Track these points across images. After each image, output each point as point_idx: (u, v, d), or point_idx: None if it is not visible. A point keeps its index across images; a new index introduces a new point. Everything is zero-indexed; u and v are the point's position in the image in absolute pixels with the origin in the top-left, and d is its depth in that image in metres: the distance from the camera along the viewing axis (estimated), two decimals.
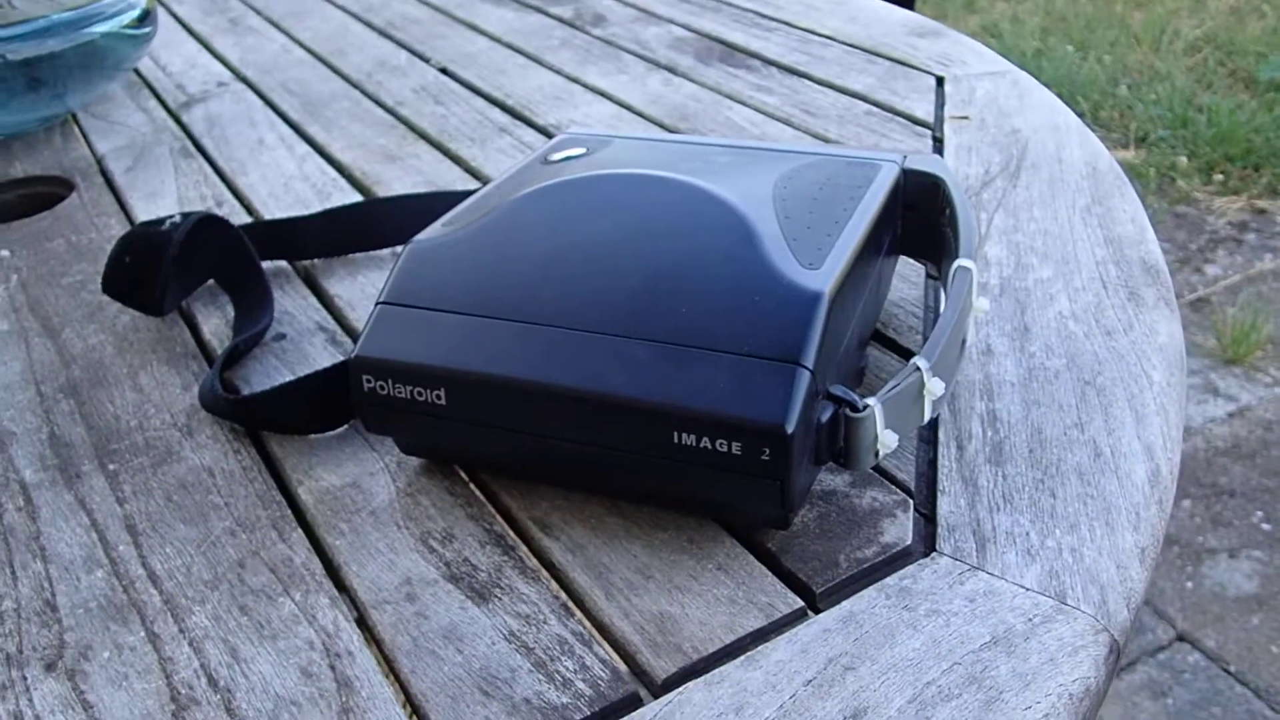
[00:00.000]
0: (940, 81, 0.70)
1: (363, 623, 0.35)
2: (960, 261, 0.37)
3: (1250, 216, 2.17)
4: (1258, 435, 1.61)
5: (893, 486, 0.38)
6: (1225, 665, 1.27)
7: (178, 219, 0.49)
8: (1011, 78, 0.70)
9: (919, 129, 0.64)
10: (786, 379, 0.32)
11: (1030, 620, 0.32)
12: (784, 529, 0.36)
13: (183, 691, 0.32)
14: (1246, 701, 1.22)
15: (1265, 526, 1.45)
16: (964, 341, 0.37)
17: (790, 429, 0.31)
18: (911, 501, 0.37)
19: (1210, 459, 1.57)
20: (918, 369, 0.34)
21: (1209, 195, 2.25)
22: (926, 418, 0.35)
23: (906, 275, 0.50)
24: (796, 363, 0.32)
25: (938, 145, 0.62)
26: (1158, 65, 2.67)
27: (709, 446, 0.32)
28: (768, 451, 0.32)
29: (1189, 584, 1.38)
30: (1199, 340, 1.79)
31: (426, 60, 0.82)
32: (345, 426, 0.43)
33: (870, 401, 0.33)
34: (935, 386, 0.34)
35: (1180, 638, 1.30)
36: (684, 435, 0.33)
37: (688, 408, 0.33)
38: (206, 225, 0.50)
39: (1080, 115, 2.50)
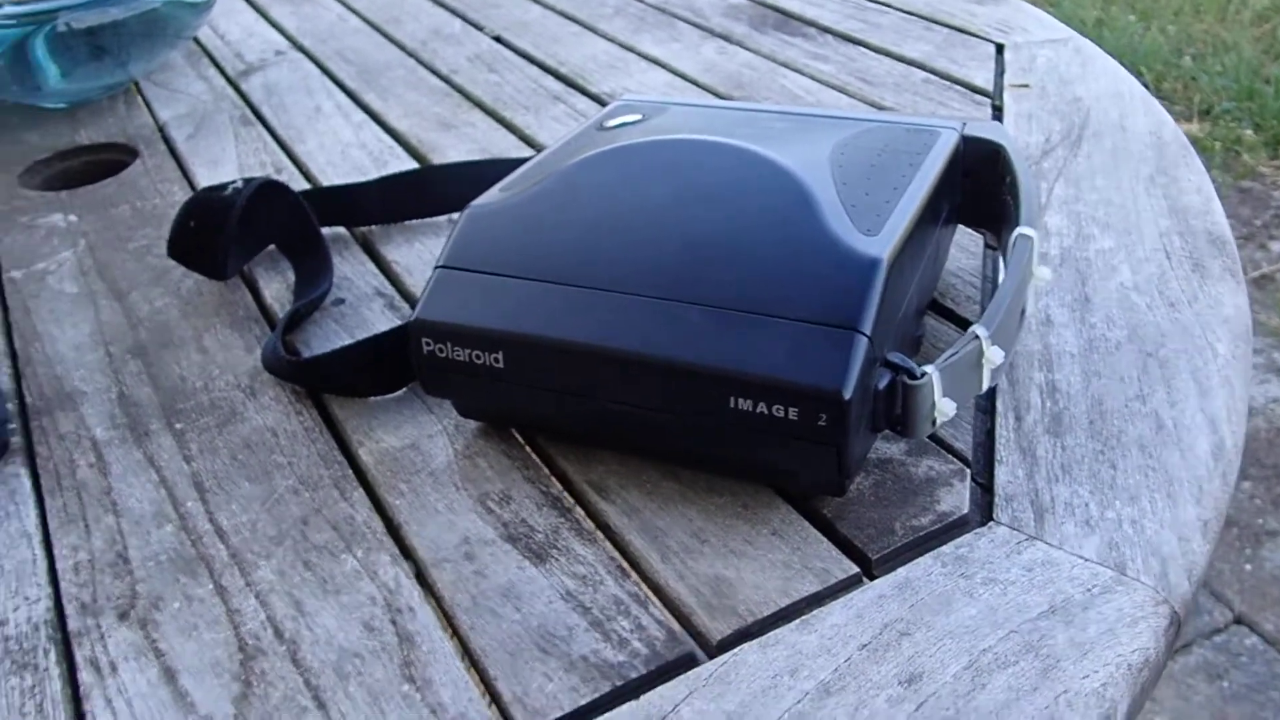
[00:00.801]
0: (1000, 49, 0.69)
1: (423, 580, 0.35)
2: (1021, 229, 0.36)
3: None
4: None
5: (950, 456, 0.38)
6: None
7: (240, 184, 0.50)
8: (1074, 45, 0.68)
9: (978, 97, 0.63)
10: (844, 345, 0.32)
11: (1089, 591, 0.32)
12: (840, 495, 0.36)
13: (250, 642, 0.33)
14: None
15: None
16: (1024, 311, 0.37)
17: (848, 395, 0.31)
18: (968, 471, 0.37)
19: (1272, 439, 1.54)
20: (976, 337, 0.34)
21: (1275, 170, 2.18)
22: (985, 386, 0.35)
23: (965, 245, 0.49)
24: (854, 329, 0.32)
25: (997, 114, 0.61)
26: (1224, 35, 2.59)
27: (765, 412, 0.33)
28: (825, 418, 0.32)
29: (1248, 566, 1.36)
30: (1263, 319, 1.75)
31: (480, 28, 0.82)
32: (404, 390, 0.44)
33: (928, 369, 0.33)
34: (994, 355, 0.34)
35: (1238, 620, 1.28)
36: (740, 400, 0.33)
37: (745, 372, 0.33)
38: (268, 191, 0.51)
39: (1144, 87, 2.44)
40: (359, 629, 0.33)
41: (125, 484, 0.40)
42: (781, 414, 0.32)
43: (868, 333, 0.32)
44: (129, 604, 0.35)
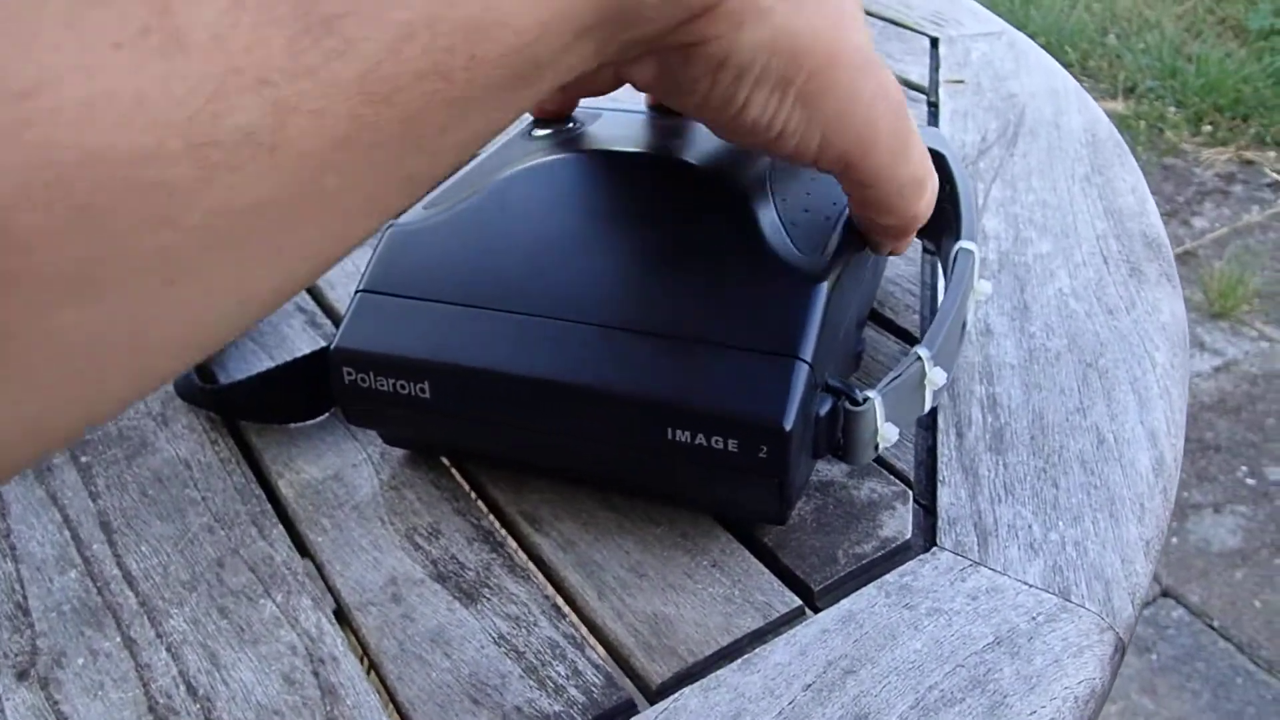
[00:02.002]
0: (934, 43, 0.68)
1: (346, 625, 0.34)
2: (962, 243, 0.36)
3: (1238, 168, 2.16)
4: (1243, 390, 1.61)
5: (891, 476, 0.37)
6: (1209, 620, 1.28)
7: None
8: (1007, 38, 0.68)
9: (913, 94, 0.62)
10: (785, 373, 0.31)
11: (1034, 619, 0.31)
12: (781, 524, 0.35)
13: (160, 701, 0.31)
14: (1229, 656, 1.24)
15: (1250, 481, 1.46)
16: (964, 325, 0.36)
17: (789, 426, 0.30)
18: (911, 492, 0.36)
19: (1196, 414, 1.58)
20: (919, 358, 0.33)
21: (1197, 146, 2.23)
22: (927, 408, 0.34)
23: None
24: (795, 356, 0.31)
25: (933, 110, 0.61)
26: (1147, 13, 2.63)
27: (704, 443, 0.31)
28: (765, 449, 0.31)
29: (1174, 539, 1.39)
30: (1186, 294, 1.79)
31: None
32: (326, 415, 0.42)
33: (870, 394, 0.32)
34: (937, 376, 0.33)
35: (1165, 593, 1.31)
36: (678, 432, 0.31)
37: (682, 403, 0.31)
38: None
39: (1069, 65, 2.47)
40: (278, 682, 0.32)
41: (25, 525, 0.38)
42: (721, 445, 0.31)
43: (809, 360, 0.31)
44: (28, 661, 0.33)
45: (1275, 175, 2.12)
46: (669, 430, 0.32)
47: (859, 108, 0.28)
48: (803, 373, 0.31)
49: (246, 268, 0.18)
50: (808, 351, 0.31)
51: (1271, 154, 2.17)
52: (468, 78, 0.19)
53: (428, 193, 0.40)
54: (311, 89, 0.17)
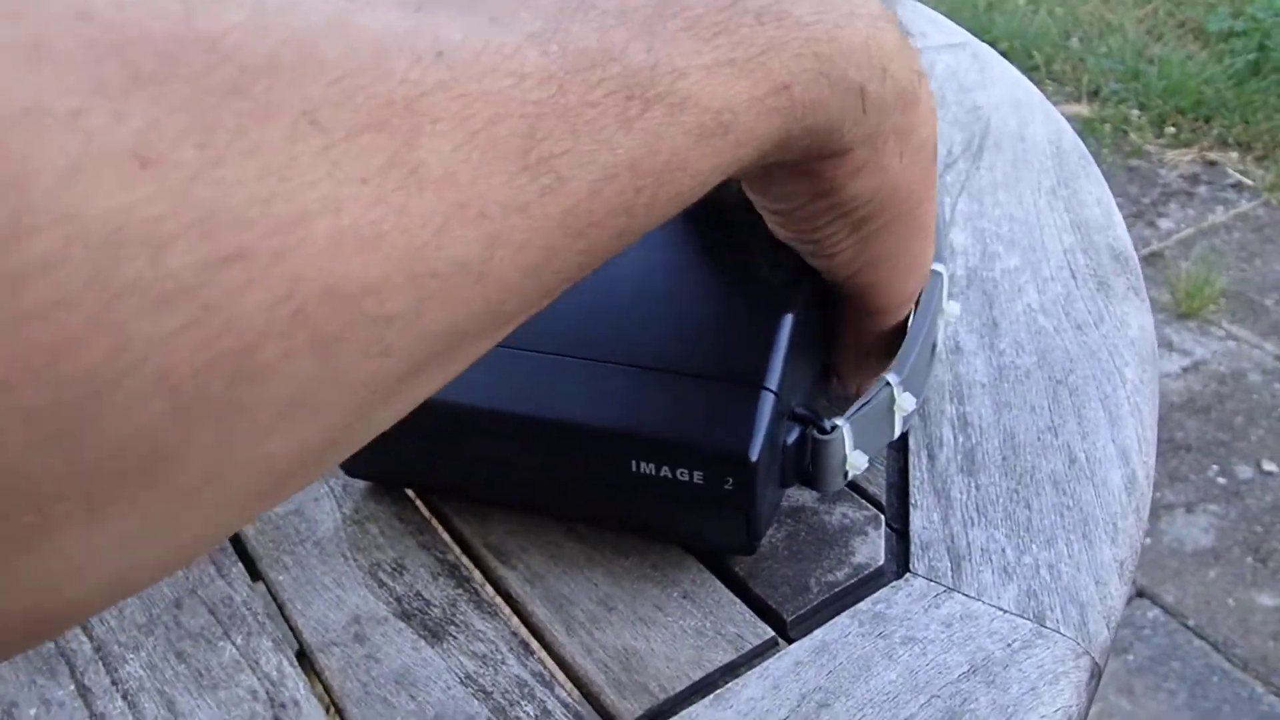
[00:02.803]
0: None
1: (308, 667, 0.33)
2: (931, 265, 0.35)
3: (1202, 169, 2.19)
4: (1212, 389, 1.63)
5: (863, 501, 0.36)
6: (1184, 620, 1.29)
7: None
8: (971, 49, 0.68)
9: None
10: (750, 403, 0.30)
11: (1009, 646, 0.31)
12: (749, 555, 0.34)
13: None
14: (1205, 655, 1.24)
15: (1221, 480, 1.47)
16: (935, 347, 0.36)
17: (754, 457, 0.30)
18: (883, 517, 0.36)
19: (1166, 414, 1.59)
20: (888, 384, 0.32)
21: (1160, 148, 2.26)
22: (897, 434, 0.34)
23: None
24: (760, 385, 0.31)
25: None
26: (1109, 17, 2.66)
27: (669, 475, 0.31)
28: (731, 480, 0.30)
29: (1147, 540, 1.40)
30: (1153, 295, 1.81)
31: None
32: None
33: (839, 422, 0.31)
34: (906, 402, 0.32)
35: (1140, 594, 1.32)
36: (642, 464, 0.31)
37: (645, 434, 0.31)
38: None
39: (1034, 69, 2.49)
40: None
41: None
42: (686, 477, 0.30)
43: (775, 388, 0.31)
44: None
45: (1238, 176, 2.14)
46: (633, 462, 0.31)
47: (906, 258, 0.30)
48: (768, 402, 0.30)
49: (427, 386, 0.19)
50: (774, 380, 0.31)
51: (1234, 154, 2.20)
52: (646, 214, 0.21)
53: None
54: (521, 223, 0.18)
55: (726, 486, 0.30)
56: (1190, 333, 1.76)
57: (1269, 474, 1.48)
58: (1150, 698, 1.21)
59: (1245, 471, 1.49)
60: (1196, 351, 1.72)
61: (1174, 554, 1.38)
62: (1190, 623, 1.29)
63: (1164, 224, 2.05)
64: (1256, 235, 1.98)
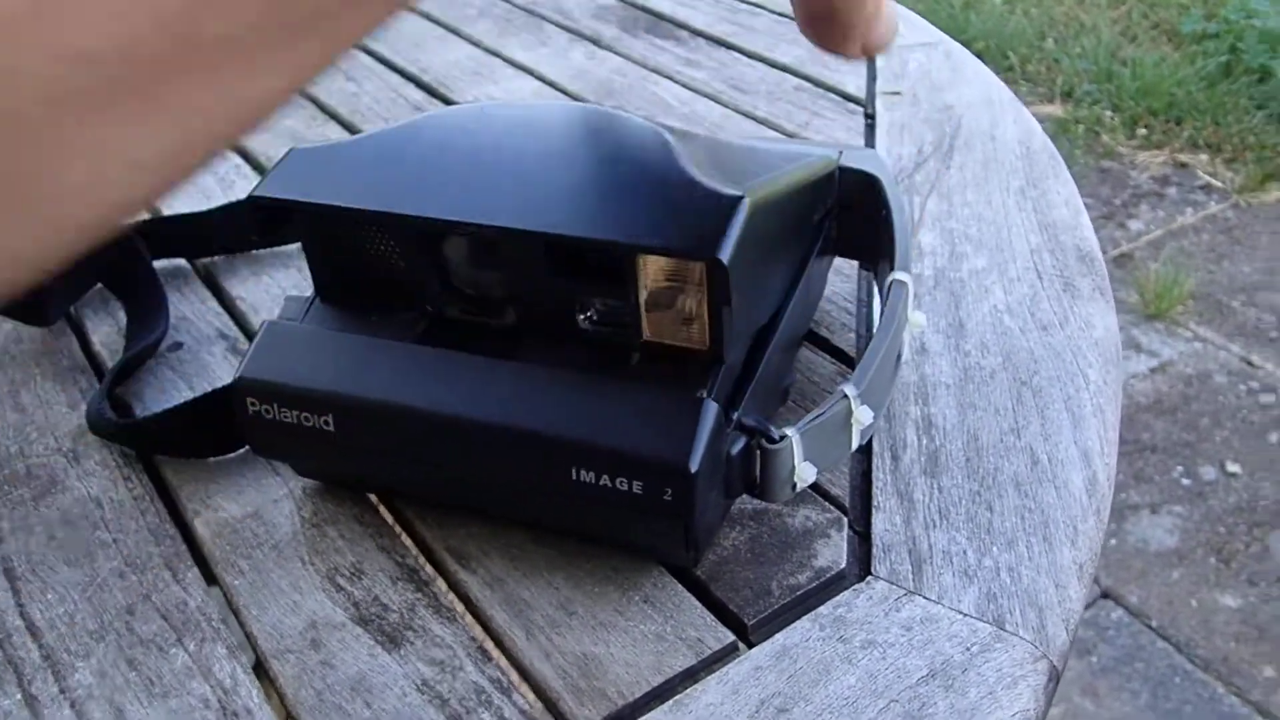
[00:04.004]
0: None
1: (263, 674, 0.32)
2: (896, 275, 0.35)
3: (1172, 170, 2.20)
4: (1179, 390, 1.64)
5: (826, 503, 0.36)
6: (1147, 621, 1.30)
7: None
8: (944, 48, 0.68)
9: (851, 105, 0.62)
10: (692, 412, 0.30)
11: (968, 650, 0.31)
12: (692, 568, 0.34)
13: None
14: (1168, 656, 1.25)
15: (1185, 482, 1.48)
16: (899, 357, 0.35)
17: (694, 468, 0.29)
18: (846, 519, 0.36)
19: (1132, 415, 1.60)
20: (845, 396, 0.32)
21: (1133, 149, 2.27)
22: (854, 447, 0.33)
23: (839, 268, 0.48)
24: (702, 396, 0.30)
25: (870, 122, 0.60)
26: (1083, 18, 2.68)
27: (609, 484, 0.30)
28: (670, 491, 0.30)
29: (1112, 541, 1.41)
30: (1121, 296, 1.82)
31: None
32: (245, 449, 0.40)
33: (788, 431, 0.31)
34: (863, 415, 0.32)
35: (1104, 594, 1.33)
36: (582, 471, 0.30)
37: (584, 442, 0.30)
38: None
39: (1008, 70, 2.50)
40: None
41: None
42: (625, 487, 0.30)
43: (718, 399, 0.30)
44: None
45: (1208, 178, 2.16)
46: (573, 470, 0.30)
47: None
48: (711, 411, 0.30)
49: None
50: (717, 390, 0.31)
51: (1204, 157, 2.22)
52: None
53: None
54: None
55: (665, 497, 0.30)
56: (1158, 334, 1.77)
57: (1233, 475, 1.49)
58: (1114, 698, 1.22)
59: (1209, 473, 1.50)
60: (1164, 353, 1.73)
61: (1138, 555, 1.39)
62: (1154, 624, 1.30)
63: (1134, 225, 2.06)
64: (1225, 237, 2.00)
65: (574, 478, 0.30)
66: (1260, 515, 1.42)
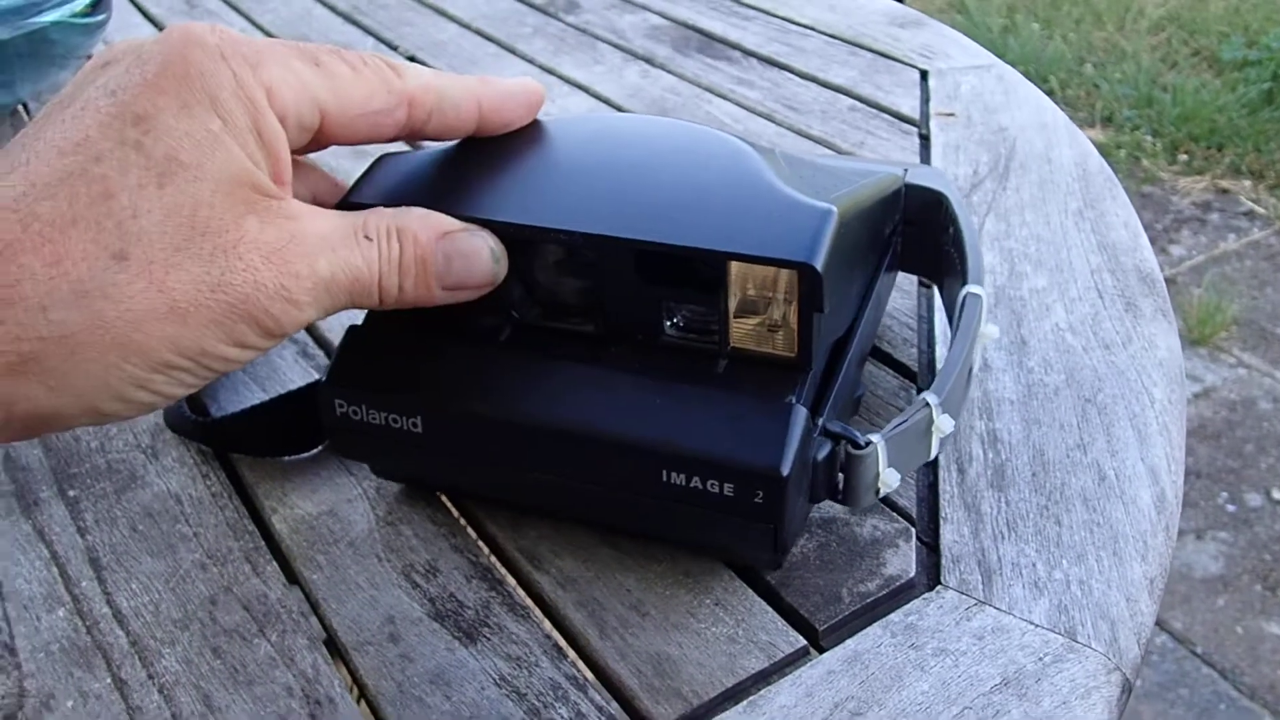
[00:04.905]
0: (924, 75, 0.68)
1: (343, 665, 0.33)
2: (970, 288, 0.35)
3: (1214, 196, 2.19)
4: (1222, 416, 1.63)
5: (894, 514, 0.37)
6: (1192, 647, 1.28)
7: None
8: (996, 71, 0.68)
9: (905, 126, 0.63)
10: (782, 417, 0.30)
11: (1041, 660, 0.31)
12: (776, 569, 0.34)
13: None
14: (1213, 683, 1.24)
15: (1230, 508, 1.47)
16: (972, 370, 0.36)
17: (785, 472, 0.30)
18: (914, 530, 0.36)
19: None
20: (927, 404, 0.32)
21: (1174, 175, 2.26)
22: (933, 455, 0.34)
23: (898, 283, 0.48)
24: (793, 401, 0.31)
25: (924, 143, 0.61)
26: (1123, 44, 2.67)
27: (699, 487, 0.31)
28: (761, 495, 0.30)
29: (1164, 589, 1.39)
30: None
31: (394, 48, 0.79)
32: (319, 449, 0.41)
33: (873, 438, 0.32)
34: (944, 424, 0.33)
35: None
36: (674, 475, 0.31)
37: (678, 447, 0.31)
38: None
39: (1049, 93, 2.49)
40: None
41: (11, 562, 0.37)
42: (716, 489, 0.31)
43: (807, 404, 0.31)
44: (16, 704, 0.32)
45: (1250, 204, 2.15)
46: (665, 473, 0.31)
47: None
48: (800, 416, 0.31)
49: None
50: (806, 396, 0.31)
51: (1247, 183, 2.20)
52: None
53: None
54: None
55: (756, 500, 0.30)
56: (1201, 360, 1.76)
57: (1278, 502, 1.47)
58: None
59: (1255, 499, 1.48)
60: (1207, 378, 1.72)
61: (1183, 580, 1.38)
62: (1198, 650, 1.28)
63: (1176, 251, 2.05)
64: (1268, 264, 1.98)
65: (665, 480, 0.31)
66: None
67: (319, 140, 0.32)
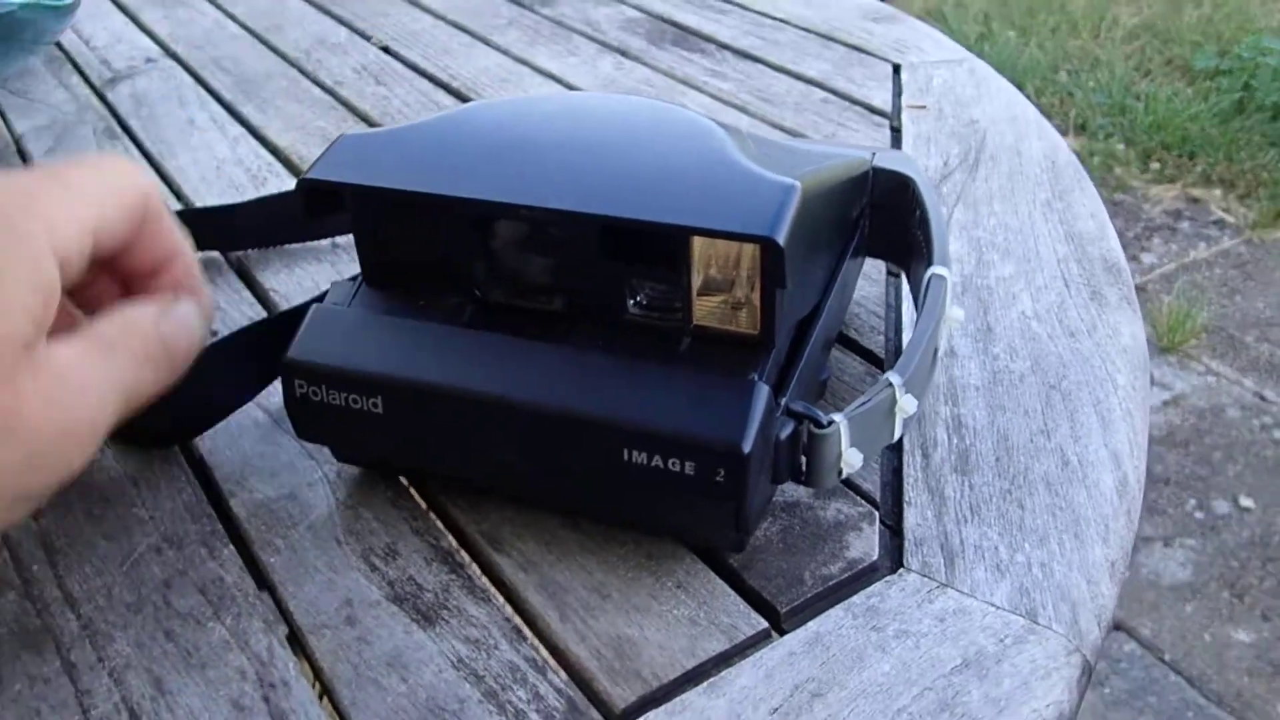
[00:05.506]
0: (897, 69, 0.69)
1: (299, 649, 0.32)
2: (935, 269, 0.35)
3: (1185, 205, 2.21)
4: (1191, 423, 1.64)
5: (857, 497, 0.36)
6: (1160, 654, 1.29)
7: None
8: (968, 66, 0.69)
9: (877, 118, 0.63)
10: (744, 394, 0.30)
11: (1001, 641, 0.31)
12: (739, 551, 0.34)
13: None
14: (1180, 690, 1.24)
15: (1198, 515, 1.48)
16: (936, 352, 0.36)
17: (747, 449, 0.30)
18: (877, 513, 0.36)
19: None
20: (890, 385, 0.32)
21: (1145, 183, 2.28)
22: (897, 436, 0.34)
23: (867, 272, 0.48)
24: (755, 378, 0.31)
25: (895, 135, 0.61)
26: (1097, 53, 2.70)
27: (661, 465, 0.31)
28: (723, 473, 0.30)
29: (1124, 573, 1.40)
30: None
31: (367, 38, 0.79)
32: (283, 435, 0.40)
33: (836, 418, 0.31)
34: (908, 404, 0.32)
35: (1116, 627, 1.32)
36: (635, 453, 0.31)
37: (639, 424, 0.31)
38: None
39: None
40: (226, 708, 0.30)
41: None
42: (677, 468, 0.30)
43: (769, 382, 0.31)
44: None
45: (1221, 213, 2.17)
46: (626, 451, 0.31)
47: None
48: (763, 394, 0.30)
49: None
50: (768, 374, 0.31)
51: (1217, 192, 2.23)
52: None
53: None
54: None
55: (718, 479, 0.30)
56: (1170, 367, 1.77)
57: (1246, 510, 1.48)
58: None
59: (1223, 507, 1.49)
60: (1176, 386, 1.73)
61: (1151, 587, 1.38)
62: (1166, 657, 1.29)
63: (1147, 258, 2.07)
64: (1238, 272, 2.00)
65: (626, 459, 0.30)
66: (1274, 550, 1.42)
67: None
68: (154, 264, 0.34)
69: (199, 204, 0.57)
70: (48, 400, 0.28)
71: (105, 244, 0.31)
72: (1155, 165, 2.31)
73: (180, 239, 0.34)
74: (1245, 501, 1.50)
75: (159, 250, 0.34)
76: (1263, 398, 1.67)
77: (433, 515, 0.37)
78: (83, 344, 0.30)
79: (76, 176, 0.31)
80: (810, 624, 0.32)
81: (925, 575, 0.33)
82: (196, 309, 0.34)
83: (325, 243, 0.53)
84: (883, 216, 0.40)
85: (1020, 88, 2.61)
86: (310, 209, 0.34)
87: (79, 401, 0.29)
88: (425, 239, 0.35)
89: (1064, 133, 2.42)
